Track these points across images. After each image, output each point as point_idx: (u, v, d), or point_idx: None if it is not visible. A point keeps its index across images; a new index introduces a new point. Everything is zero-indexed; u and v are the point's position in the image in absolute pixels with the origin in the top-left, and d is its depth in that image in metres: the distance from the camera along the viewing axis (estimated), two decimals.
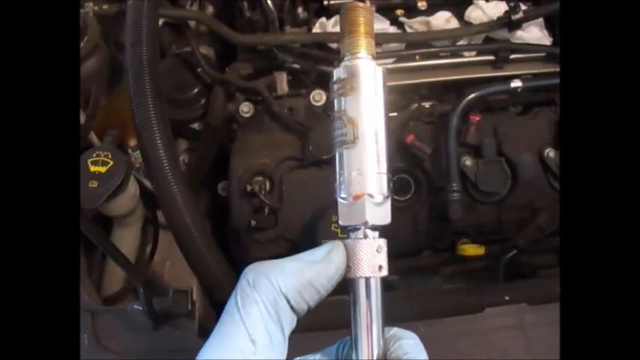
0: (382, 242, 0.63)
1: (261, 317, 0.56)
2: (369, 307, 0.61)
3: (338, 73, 0.65)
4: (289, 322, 0.58)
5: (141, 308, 1.01)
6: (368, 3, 0.58)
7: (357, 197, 0.62)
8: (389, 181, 0.63)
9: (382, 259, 0.62)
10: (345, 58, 0.65)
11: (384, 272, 0.62)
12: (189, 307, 1.02)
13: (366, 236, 0.62)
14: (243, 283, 0.58)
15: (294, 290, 0.58)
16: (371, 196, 0.61)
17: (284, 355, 0.58)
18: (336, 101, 0.64)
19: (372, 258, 0.61)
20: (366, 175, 0.62)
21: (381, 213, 0.63)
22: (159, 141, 1.01)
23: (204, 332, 1.16)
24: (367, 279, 0.61)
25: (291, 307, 0.58)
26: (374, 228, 0.63)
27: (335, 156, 0.64)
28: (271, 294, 0.57)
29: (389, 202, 0.64)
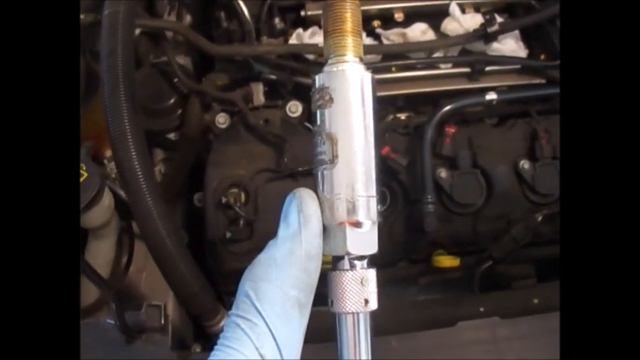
0: (369, 273, 0.55)
1: (267, 328, 0.50)
2: (357, 346, 0.54)
3: (320, 80, 0.56)
4: (302, 318, 0.53)
5: (114, 322, 1.01)
6: None
7: (339, 225, 0.55)
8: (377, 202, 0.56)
9: (369, 292, 0.55)
10: (329, 62, 0.57)
11: (372, 306, 0.55)
12: (162, 322, 1.02)
13: (351, 267, 0.55)
14: (241, 298, 0.52)
15: (298, 280, 0.52)
16: (354, 223, 0.55)
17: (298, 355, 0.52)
18: (316, 113, 0.57)
19: (356, 292, 0.54)
20: (348, 199, 0.54)
21: (366, 241, 0.55)
22: (133, 154, 1.01)
23: (180, 344, 1.16)
24: (352, 315, 0.55)
25: (300, 303, 0.52)
26: (361, 257, 0.56)
27: (316, 177, 0.57)
28: (278, 298, 0.51)
29: (376, 229, 0.56)
